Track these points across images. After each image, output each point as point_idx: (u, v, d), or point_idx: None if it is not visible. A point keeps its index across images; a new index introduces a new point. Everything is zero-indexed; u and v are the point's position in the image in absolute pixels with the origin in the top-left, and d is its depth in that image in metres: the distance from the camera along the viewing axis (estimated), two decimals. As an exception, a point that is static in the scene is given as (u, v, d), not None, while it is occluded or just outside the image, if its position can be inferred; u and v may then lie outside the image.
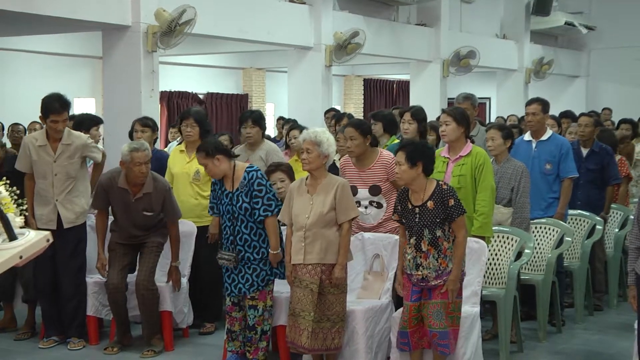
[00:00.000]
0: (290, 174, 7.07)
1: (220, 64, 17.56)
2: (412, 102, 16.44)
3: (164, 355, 6.88)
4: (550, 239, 7.78)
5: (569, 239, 7.82)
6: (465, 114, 6.73)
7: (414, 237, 5.68)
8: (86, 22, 10.05)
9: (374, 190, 6.63)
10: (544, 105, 7.84)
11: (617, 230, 8.90)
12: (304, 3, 13.14)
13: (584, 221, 8.29)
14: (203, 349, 7.09)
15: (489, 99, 21.40)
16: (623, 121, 11.59)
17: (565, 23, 19.29)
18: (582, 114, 9.08)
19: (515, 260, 6.91)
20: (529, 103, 7.98)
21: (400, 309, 5.92)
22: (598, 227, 8.28)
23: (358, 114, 20.56)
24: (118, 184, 6.82)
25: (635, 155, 9.76)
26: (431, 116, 15.63)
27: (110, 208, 7.05)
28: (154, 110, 10.92)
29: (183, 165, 7.51)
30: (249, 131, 7.99)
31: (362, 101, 21.03)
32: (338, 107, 19.87)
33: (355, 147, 6.62)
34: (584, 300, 8.22)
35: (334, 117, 9.78)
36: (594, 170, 8.54)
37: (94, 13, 10.01)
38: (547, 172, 7.74)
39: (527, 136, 7.96)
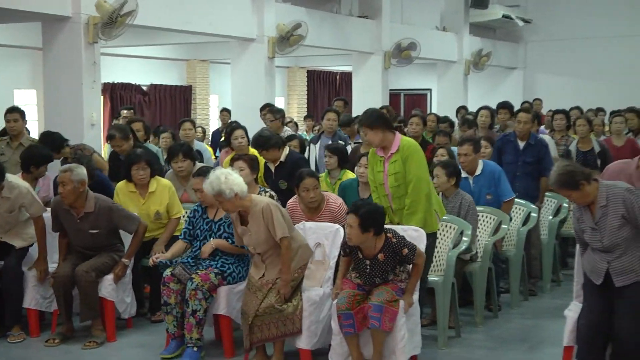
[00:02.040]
0: (251, 164, 7.20)
1: (163, 56, 17.38)
2: (355, 93, 16.50)
3: (106, 346, 6.80)
4: (488, 227, 7.84)
5: (505, 226, 7.88)
6: (375, 114, 6.53)
7: (364, 281, 5.96)
8: (25, 12, 9.86)
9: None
10: (475, 145, 8.02)
11: (551, 217, 8.98)
12: (252, -4, 13.05)
13: (519, 209, 8.35)
14: (145, 340, 7.01)
15: (430, 90, 21.52)
16: (556, 112, 11.70)
17: (503, 16, 19.47)
18: (520, 110, 9.08)
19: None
20: (461, 144, 8.11)
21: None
22: (533, 214, 8.38)
23: (302, 105, 20.55)
24: (63, 205, 6.86)
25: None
26: (359, 110, 15.72)
27: None
28: (96, 102, 10.77)
29: (140, 207, 7.46)
30: (181, 165, 8.03)
31: (306, 92, 20.99)
32: (281, 99, 19.87)
33: (318, 195, 6.85)
34: (519, 285, 8.29)
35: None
36: (530, 162, 8.64)
37: (33, 3, 9.83)
38: (490, 202, 7.96)
39: (463, 173, 8.01)
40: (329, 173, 8.21)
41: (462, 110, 14.37)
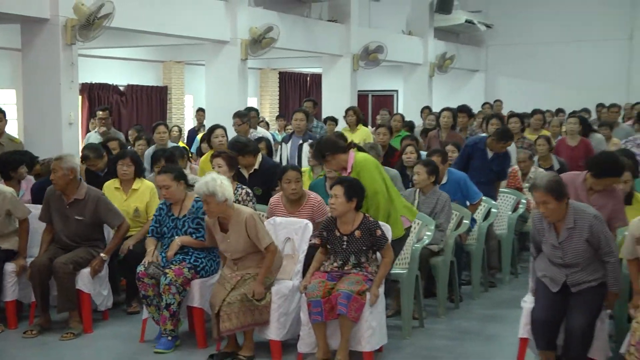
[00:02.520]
0: (230, 162, 7.25)
1: (140, 57, 17.25)
2: (325, 94, 16.50)
3: (83, 337, 6.75)
4: (451, 223, 7.87)
5: (467, 221, 7.93)
6: (324, 146, 6.53)
7: (339, 261, 6.04)
8: (5, 14, 9.73)
9: None
10: (443, 156, 8.12)
11: (510, 213, 9.04)
12: (224, -1, 13.01)
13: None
14: (121, 331, 6.97)
15: (397, 91, 21.56)
16: (511, 115, 11.79)
17: (466, 21, 19.55)
18: (493, 135, 9.02)
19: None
20: (430, 155, 8.23)
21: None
22: (493, 210, 8.45)
23: (274, 105, 20.51)
24: (56, 191, 6.93)
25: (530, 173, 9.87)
26: (341, 108, 15.75)
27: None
28: (74, 102, 10.70)
29: (121, 203, 7.46)
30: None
31: (278, 93, 20.96)
32: (254, 99, 19.82)
33: (299, 188, 6.92)
34: (480, 278, 8.33)
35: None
36: (496, 171, 8.78)
37: (13, 6, 9.71)
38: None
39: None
40: (312, 169, 8.34)
41: (426, 110, 14.41)
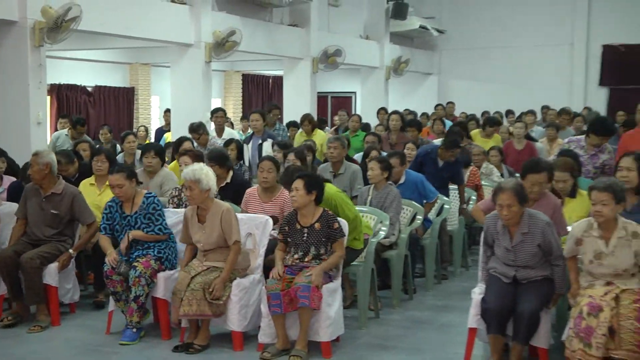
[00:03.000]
0: (196, 160, 7.26)
1: (107, 59, 17.07)
2: (286, 95, 16.47)
3: (50, 330, 6.68)
4: (405, 218, 7.90)
5: (420, 217, 7.96)
6: (294, 172, 6.65)
7: (300, 252, 6.09)
8: (-27, 17, 9.57)
9: (273, 220, 6.77)
10: (402, 158, 8.19)
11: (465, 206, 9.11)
12: (185, 3, 12.92)
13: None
14: (87, 323, 6.91)
15: (355, 93, 21.59)
16: (455, 125, 11.91)
17: (420, 26, 19.62)
18: (443, 145, 9.06)
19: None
20: (390, 157, 8.16)
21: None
22: (446, 206, 8.50)
23: (237, 106, 20.43)
24: (35, 185, 6.94)
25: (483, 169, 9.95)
26: (302, 108, 15.75)
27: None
28: (42, 102, 10.59)
29: (95, 198, 7.49)
30: (151, 161, 8.08)
31: (241, 94, 20.88)
32: (218, 100, 19.73)
33: (271, 178, 7.08)
34: (433, 270, 8.36)
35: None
36: (447, 178, 8.82)
37: (-19, 8, 9.55)
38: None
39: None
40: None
41: (382, 111, 14.44)
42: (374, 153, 9.03)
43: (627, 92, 19.83)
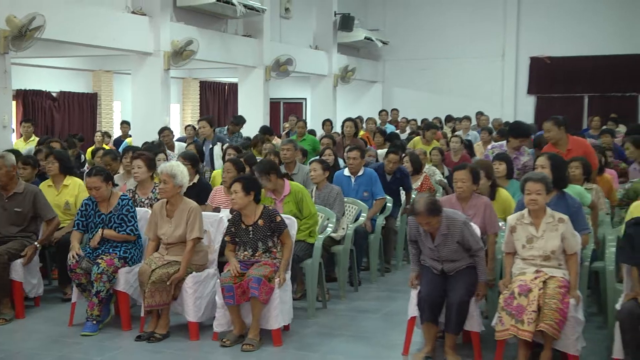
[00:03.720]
0: (148, 163, 7.21)
1: (71, 66, 16.78)
2: (241, 101, 16.39)
3: (15, 322, 6.55)
4: (351, 215, 7.91)
5: (365, 214, 7.97)
6: (269, 164, 7.06)
7: (250, 250, 6.09)
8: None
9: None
10: (362, 152, 8.43)
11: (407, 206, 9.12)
12: (145, 14, 12.76)
13: (377, 200, 8.45)
14: (52, 316, 6.79)
15: (305, 99, 21.56)
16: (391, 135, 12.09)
17: (365, 38, 19.67)
18: (389, 151, 9.11)
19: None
20: (351, 150, 8.42)
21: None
22: (388, 204, 8.52)
23: (195, 111, 20.26)
24: None
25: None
26: (256, 113, 15.70)
27: None
28: (7, 106, 10.40)
29: (54, 198, 7.37)
30: (128, 161, 8.10)
31: (199, 100, 20.70)
32: (177, 106, 19.55)
33: (228, 178, 7.10)
34: (377, 264, 8.37)
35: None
36: (395, 190, 8.85)
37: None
38: (366, 198, 8.19)
39: (346, 172, 8.38)
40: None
41: (327, 122, 14.39)
42: (327, 152, 9.13)
43: (552, 99, 20.22)
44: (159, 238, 6.28)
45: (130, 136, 13.64)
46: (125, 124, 14.25)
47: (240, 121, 12.89)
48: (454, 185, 6.25)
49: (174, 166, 6.24)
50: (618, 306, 5.21)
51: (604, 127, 14.24)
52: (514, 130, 8.55)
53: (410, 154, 9.61)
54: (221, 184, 7.67)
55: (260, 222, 6.07)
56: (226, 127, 13.15)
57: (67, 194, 7.46)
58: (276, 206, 6.79)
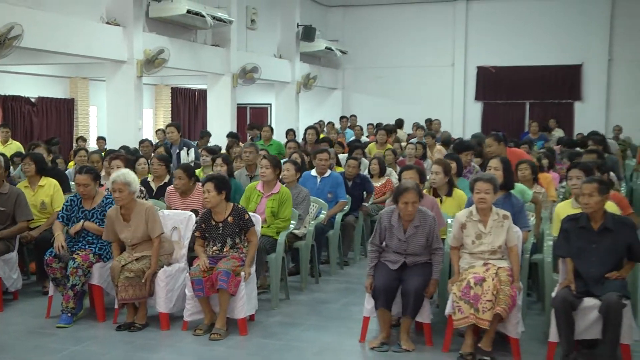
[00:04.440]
0: (127, 162, 7.28)
1: (50, 73, 16.50)
2: (210, 106, 16.30)
3: (-6, 315, 6.45)
4: (311, 212, 7.90)
5: (325, 212, 7.98)
6: (275, 160, 7.23)
7: (219, 244, 6.06)
8: None
9: (194, 212, 6.83)
10: (330, 154, 8.57)
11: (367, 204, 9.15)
12: (119, 25, 12.62)
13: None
14: (30, 309, 6.68)
15: (270, 104, 21.49)
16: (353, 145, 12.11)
17: (326, 48, 19.68)
18: (348, 158, 9.25)
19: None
20: (321, 152, 8.53)
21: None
22: (347, 207, 8.53)
23: (167, 116, 20.07)
24: None
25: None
26: (224, 118, 15.63)
27: None
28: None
29: (30, 198, 7.25)
30: (113, 165, 8.03)
31: (170, 106, 20.51)
32: (149, 111, 19.35)
33: (181, 184, 7.15)
34: (336, 258, 8.38)
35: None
36: (357, 195, 8.89)
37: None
38: (329, 200, 8.22)
39: (313, 172, 8.44)
40: (204, 169, 8.68)
41: (290, 132, 14.41)
42: (294, 156, 9.12)
43: (497, 105, 20.46)
44: (120, 240, 6.22)
45: (105, 149, 13.45)
46: (101, 140, 14.03)
47: (206, 134, 13.25)
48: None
49: (126, 174, 6.12)
50: (554, 294, 5.30)
51: (540, 132, 14.67)
52: (456, 147, 8.87)
53: (377, 157, 9.74)
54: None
55: (230, 219, 6.06)
56: (195, 142, 13.02)
57: (43, 194, 7.37)
58: (261, 200, 6.90)
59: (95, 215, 6.42)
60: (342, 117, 17.70)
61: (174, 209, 6.97)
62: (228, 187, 6.15)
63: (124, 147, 10.49)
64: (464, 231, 5.62)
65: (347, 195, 8.52)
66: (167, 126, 10.55)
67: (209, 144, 12.58)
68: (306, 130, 11.92)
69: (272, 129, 12.45)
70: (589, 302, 5.14)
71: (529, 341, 5.69)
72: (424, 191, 6.62)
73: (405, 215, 5.59)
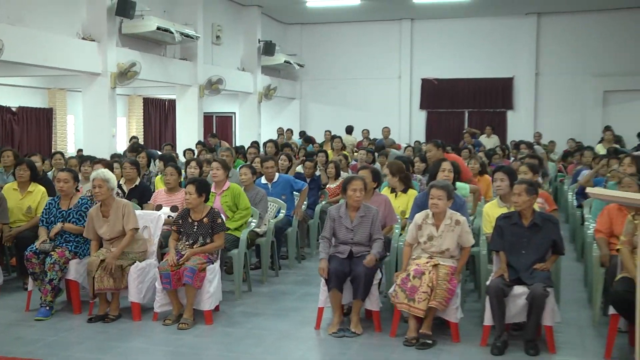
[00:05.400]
0: (107, 165, 7.31)
1: (30, 84, 16.17)
2: (178, 115, 16.13)
3: (-25, 309, 6.31)
4: (271, 211, 7.88)
5: (284, 211, 7.96)
6: (225, 164, 7.26)
7: (191, 240, 6.02)
8: None
9: (174, 208, 6.97)
10: (275, 162, 8.57)
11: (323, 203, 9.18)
12: (94, 40, 12.41)
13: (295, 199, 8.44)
14: (10, 303, 6.55)
15: (234, 113, 21.35)
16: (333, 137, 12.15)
17: (285, 61, 19.64)
18: (305, 160, 9.37)
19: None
20: (266, 160, 8.51)
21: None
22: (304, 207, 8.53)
23: (139, 125, 19.83)
24: None
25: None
26: (192, 126, 15.49)
27: None
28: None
29: (17, 201, 7.16)
30: (87, 169, 8.14)
31: (142, 115, 20.25)
32: (123, 119, 19.08)
33: (172, 180, 7.26)
34: (295, 252, 8.38)
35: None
36: (315, 190, 9.00)
37: None
38: (285, 200, 8.19)
39: (263, 180, 8.42)
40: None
41: (254, 144, 14.33)
42: (256, 160, 9.17)
43: (439, 114, 20.66)
44: (99, 237, 6.15)
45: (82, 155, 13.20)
46: (80, 152, 13.72)
47: (170, 144, 13.19)
48: None
49: (105, 172, 6.15)
50: (488, 283, 5.38)
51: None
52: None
53: (334, 162, 9.79)
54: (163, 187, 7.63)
55: (205, 220, 6.03)
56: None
57: (31, 199, 7.22)
58: (215, 199, 6.93)
59: (72, 215, 6.34)
60: (301, 132, 17.83)
61: (162, 206, 7.10)
62: (207, 190, 6.19)
63: (116, 155, 10.32)
64: (419, 232, 5.64)
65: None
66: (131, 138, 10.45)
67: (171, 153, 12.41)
68: (265, 143, 12.02)
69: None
70: (519, 289, 5.24)
71: (467, 325, 5.77)
72: (383, 191, 6.74)
73: (353, 202, 5.66)
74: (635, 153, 9.77)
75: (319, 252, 8.81)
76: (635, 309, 4.29)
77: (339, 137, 13.00)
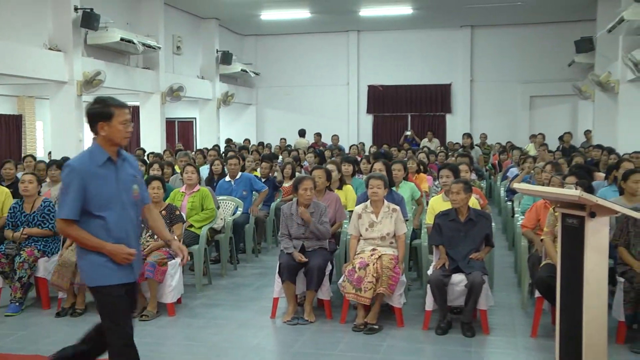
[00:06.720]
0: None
1: (-1, 92, 15.73)
2: (142, 121, 15.84)
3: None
4: (229, 210, 7.82)
5: (241, 209, 7.91)
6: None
7: (151, 232, 5.90)
8: None
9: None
10: (239, 160, 8.48)
11: (275, 201, 9.10)
12: (60, 50, 12.10)
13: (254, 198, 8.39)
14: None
15: (195, 118, 21.10)
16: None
17: (241, 70, 19.49)
18: (262, 160, 9.42)
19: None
20: (231, 158, 8.41)
21: None
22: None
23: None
24: None
25: None
26: (154, 132, 15.24)
27: None
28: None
29: None
30: (54, 172, 7.87)
31: (108, 120, 19.84)
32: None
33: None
34: (251, 247, 8.34)
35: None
36: (272, 189, 8.97)
37: None
38: (244, 197, 8.16)
39: (227, 178, 8.36)
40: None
41: (215, 147, 14.21)
42: (217, 162, 9.05)
43: (385, 117, 20.81)
44: None
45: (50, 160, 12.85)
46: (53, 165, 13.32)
47: (142, 148, 13.08)
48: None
49: None
50: (429, 272, 5.46)
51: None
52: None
53: (290, 163, 9.76)
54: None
55: (163, 212, 6.04)
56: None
57: None
58: (184, 199, 6.93)
59: (36, 218, 6.16)
60: (259, 144, 17.75)
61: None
62: (164, 186, 6.33)
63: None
64: (359, 221, 5.71)
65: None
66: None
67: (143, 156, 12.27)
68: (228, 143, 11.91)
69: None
70: (457, 277, 5.32)
71: (411, 310, 5.83)
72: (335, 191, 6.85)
73: (304, 200, 5.70)
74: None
75: (275, 247, 8.97)
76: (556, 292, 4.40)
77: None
